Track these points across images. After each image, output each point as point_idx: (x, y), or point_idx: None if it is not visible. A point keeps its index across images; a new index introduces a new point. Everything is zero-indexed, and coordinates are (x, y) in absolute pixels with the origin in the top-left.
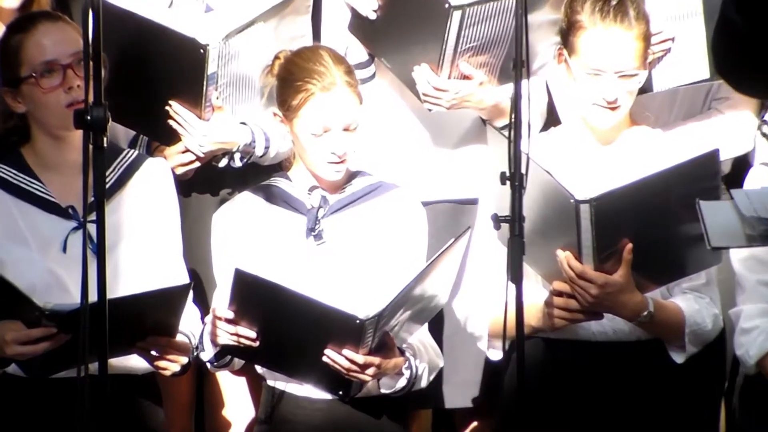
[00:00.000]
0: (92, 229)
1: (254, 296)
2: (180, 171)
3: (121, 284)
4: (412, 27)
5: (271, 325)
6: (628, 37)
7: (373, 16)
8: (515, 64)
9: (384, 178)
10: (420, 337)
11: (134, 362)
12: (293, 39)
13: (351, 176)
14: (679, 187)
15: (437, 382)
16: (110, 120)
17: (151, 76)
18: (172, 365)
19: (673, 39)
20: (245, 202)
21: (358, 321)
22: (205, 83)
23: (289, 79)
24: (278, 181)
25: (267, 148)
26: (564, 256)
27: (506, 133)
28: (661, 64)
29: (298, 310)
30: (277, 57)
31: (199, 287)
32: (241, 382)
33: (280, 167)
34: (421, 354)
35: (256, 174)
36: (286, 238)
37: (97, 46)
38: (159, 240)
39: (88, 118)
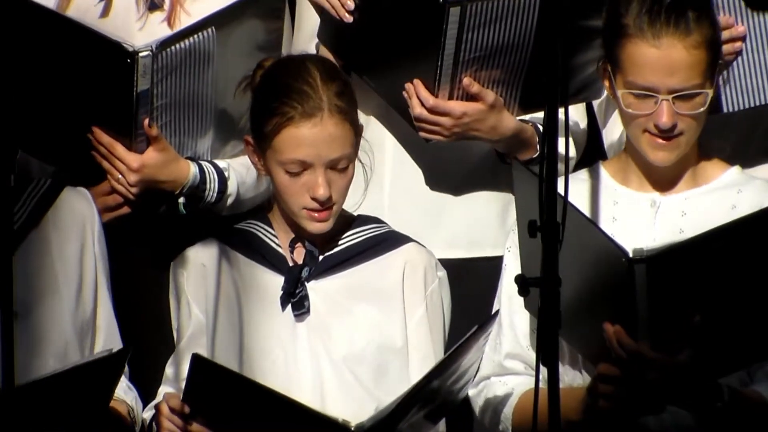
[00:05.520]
0: None
1: (216, 390)
2: (105, 218)
3: (37, 359)
4: (400, 32)
5: (236, 428)
6: (686, 46)
7: (349, 18)
8: (549, 78)
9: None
10: None
11: None
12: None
13: (349, 223)
14: (764, 242)
15: None
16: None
17: (64, 93)
18: None
19: (744, 38)
20: (208, 252)
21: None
22: (134, 103)
23: (264, 98)
24: (254, 227)
25: (222, 192)
26: (613, 332)
27: (536, 169)
28: (730, 75)
29: (272, 412)
30: (260, 66)
31: (138, 364)
32: None
33: (252, 212)
34: None
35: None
36: (259, 305)
37: None
38: (87, 295)
39: None
